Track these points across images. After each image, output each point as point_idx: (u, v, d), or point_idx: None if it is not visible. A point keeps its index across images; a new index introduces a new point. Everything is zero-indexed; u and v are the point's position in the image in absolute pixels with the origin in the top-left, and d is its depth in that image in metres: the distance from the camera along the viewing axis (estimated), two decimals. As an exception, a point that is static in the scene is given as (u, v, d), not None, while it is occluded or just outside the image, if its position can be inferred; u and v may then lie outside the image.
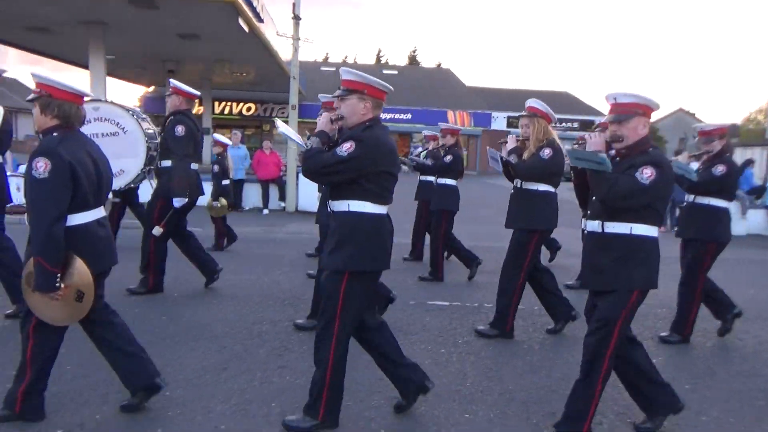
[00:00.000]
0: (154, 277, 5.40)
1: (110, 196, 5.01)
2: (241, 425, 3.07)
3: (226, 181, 8.02)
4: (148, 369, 3.12)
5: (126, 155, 5.20)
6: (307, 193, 12.13)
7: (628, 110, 2.93)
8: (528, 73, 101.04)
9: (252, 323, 4.73)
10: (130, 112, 5.21)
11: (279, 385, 3.59)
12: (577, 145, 3.99)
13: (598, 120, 40.34)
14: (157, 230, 5.17)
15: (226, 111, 29.92)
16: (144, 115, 5.74)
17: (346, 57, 55.94)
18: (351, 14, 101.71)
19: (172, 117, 5.23)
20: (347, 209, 2.92)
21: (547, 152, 4.40)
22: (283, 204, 12.63)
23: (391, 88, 3.08)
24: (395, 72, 38.30)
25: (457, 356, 4.23)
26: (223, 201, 7.78)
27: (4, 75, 39.58)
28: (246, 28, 12.11)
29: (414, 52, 57.53)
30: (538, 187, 4.51)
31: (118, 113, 5.19)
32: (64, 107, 2.88)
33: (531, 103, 4.56)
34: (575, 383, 3.04)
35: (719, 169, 4.50)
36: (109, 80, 14.12)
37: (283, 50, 15.98)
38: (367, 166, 2.86)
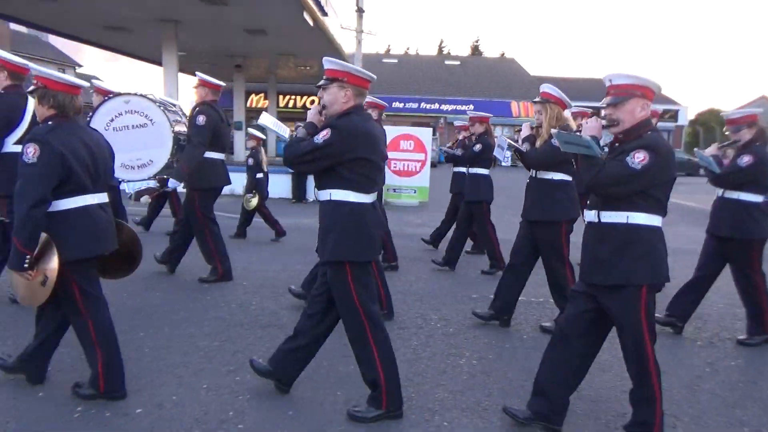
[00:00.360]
0: (222, 264, 5.60)
1: (153, 184, 5.40)
2: (309, 412, 3.14)
3: (260, 175, 8.15)
4: None
5: (154, 146, 5.32)
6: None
7: (624, 92, 2.76)
8: (597, 61, 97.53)
9: (317, 313, 4.82)
10: (158, 104, 5.36)
11: (344, 374, 3.65)
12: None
13: (677, 109, 38.22)
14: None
15: (290, 104, 30.54)
16: (174, 107, 5.89)
17: (407, 49, 55.95)
18: (413, 5, 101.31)
19: (197, 108, 5.37)
20: (329, 198, 2.96)
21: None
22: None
23: (373, 76, 3.06)
24: (457, 63, 37.87)
25: (523, 352, 4.15)
26: (256, 195, 7.93)
27: (78, 70, 41.88)
28: (311, 22, 12.29)
29: (476, 42, 57.00)
30: (553, 177, 4.32)
31: (146, 105, 5.32)
32: (58, 98, 3.03)
33: (544, 88, 4.33)
34: (634, 395, 2.86)
35: (745, 159, 4.17)
36: (181, 76, 14.66)
37: (346, 43, 16.13)
38: (343, 153, 2.87)
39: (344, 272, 2.96)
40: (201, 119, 5.21)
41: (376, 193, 3.07)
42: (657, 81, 2.78)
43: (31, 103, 4.39)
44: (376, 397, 3.03)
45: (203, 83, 5.47)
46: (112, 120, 5.23)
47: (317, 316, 3.18)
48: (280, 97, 28.17)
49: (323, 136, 2.86)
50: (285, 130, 3.45)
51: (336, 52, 16.46)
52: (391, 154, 12.31)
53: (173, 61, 13.57)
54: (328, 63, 3.01)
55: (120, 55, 19.00)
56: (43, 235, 2.93)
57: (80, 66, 43.06)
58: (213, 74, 5.73)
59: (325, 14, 13.08)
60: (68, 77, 3.18)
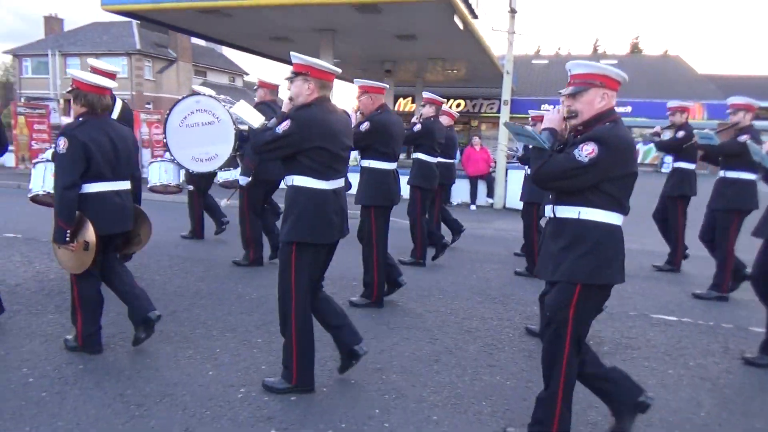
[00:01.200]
0: (254, 252, 6.10)
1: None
2: (452, 419, 3.11)
3: None
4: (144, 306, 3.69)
5: (219, 141, 5.69)
6: (516, 191, 11.87)
7: (583, 82, 2.63)
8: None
9: (462, 318, 4.77)
10: (223, 103, 5.73)
11: (489, 383, 3.56)
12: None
13: None
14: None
15: (436, 108, 30.73)
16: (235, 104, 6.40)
17: (559, 48, 53.63)
18: (566, 3, 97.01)
19: (256, 107, 5.57)
20: (292, 183, 3.19)
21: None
22: (491, 200, 12.58)
23: (338, 70, 3.24)
24: (614, 62, 35.53)
25: (688, 380, 3.75)
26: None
27: (246, 78, 45.75)
28: (461, 26, 12.26)
29: (636, 39, 52.89)
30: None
31: (213, 105, 5.68)
32: (89, 97, 3.50)
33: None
34: (539, 394, 2.79)
35: (743, 137, 4.88)
36: (336, 81, 15.39)
37: (495, 45, 15.85)
38: (301, 142, 3.08)
39: (290, 251, 3.17)
40: None
41: (339, 180, 3.28)
42: (619, 71, 2.63)
43: (119, 103, 5.24)
44: (289, 372, 3.25)
45: (261, 84, 6.02)
46: (185, 118, 5.76)
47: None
48: (427, 100, 28.48)
49: (283, 126, 3.09)
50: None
51: (484, 54, 16.27)
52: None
53: (329, 67, 14.30)
54: (294, 58, 3.22)
55: (282, 63, 20.47)
56: (77, 213, 3.45)
57: (247, 74, 47.17)
58: (365, 79, 5.90)
59: (475, 17, 12.97)
60: (98, 79, 3.61)
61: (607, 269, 2.58)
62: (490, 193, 12.63)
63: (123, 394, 3.16)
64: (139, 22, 19.66)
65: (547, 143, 2.62)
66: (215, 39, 17.65)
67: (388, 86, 5.77)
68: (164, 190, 6.03)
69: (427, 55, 17.44)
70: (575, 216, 2.60)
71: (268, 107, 5.76)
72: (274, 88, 6.10)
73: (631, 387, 2.82)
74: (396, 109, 25.88)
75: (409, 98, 29.73)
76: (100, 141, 3.49)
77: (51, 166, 4.58)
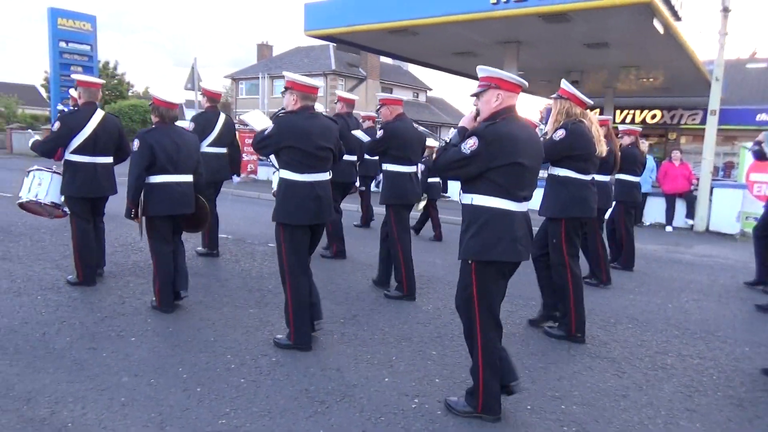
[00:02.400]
0: (337, 246, 6.87)
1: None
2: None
3: (432, 179, 8.34)
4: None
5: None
6: (723, 212, 10.52)
7: (482, 84, 3.05)
8: None
9: (655, 352, 4.30)
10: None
11: (688, 430, 3.14)
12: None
13: None
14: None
15: (628, 119, 28.55)
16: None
17: (782, 49, 46.32)
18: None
19: (335, 116, 6.34)
20: (280, 176, 3.94)
21: (559, 134, 4.30)
22: (690, 222, 11.26)
23: (316, 84, 3.94)
24: None
25: None
26: (426, 197, 8.42)
27: (429, 93, 46.88)
28: (661, 30, 11.22)
29: None
30: (558, 172, 4.43)
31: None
32: (160, 110, 4.56)
33: (561, 84, 4.51)
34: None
35: None
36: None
37: (701, 49, 14.24)
38: (280, 142, 3.83)
39: (278, 230, 3.95)
40: None
41: (316, 174, 3.92)
42: (514, 76, 2.99)
43: (223, 117, 6.45)
44: (288, 328, 3.99)
45: (340, 99, 6.99)
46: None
47: None
48: (617, 111, 26.60)
49: (268, 130, 3.86)
50: (262, 125, 4.08)
51: (688, 59, 14.69)
52: (757, 176, 10.35)
53: (512, 80, 14.07)
54: (287, 75, 3.92)
55: (463, 77, 20.67)
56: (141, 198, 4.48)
57: (431, 89, 48.54)
58: (549, 91, 5.79)
59: (678, 19, 11.78)
60: (168, 97, 4.59)
61: (494, 248, 2.94)
62: (690, 214, 11.32)
63: (308, 390, 3.38)
64: (335, 44, 21.32)
65: (454, 140, 3.05)
66: (402, 57, 18.43)
67: (404, 98, 6.07)
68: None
69: (620, 63, 16.28)
70: (470, 202, 3.02)
71: (342, 119, 6.50)
72: (351, 102, 7.04)
73: (510, 371, 3.14)
74: (582, 121, 24.51)
75: (597, 110, 28.06)
76: (164, 143, 4.47)
77: (39, 175, 5.30)
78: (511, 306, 5.08)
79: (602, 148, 4.40)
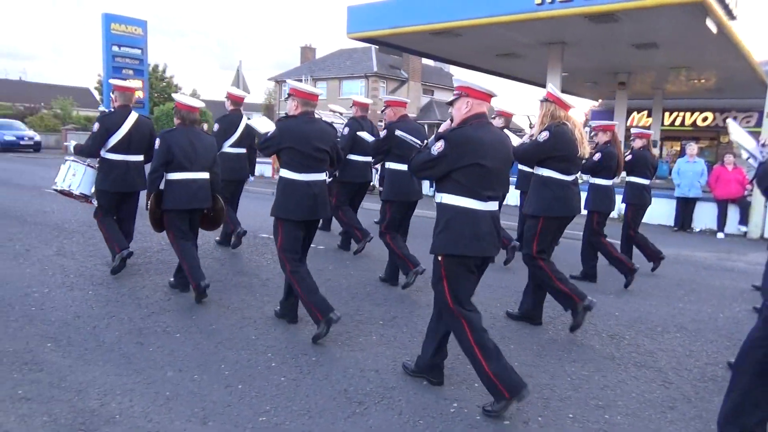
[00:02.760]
0: (361, 232, 6.92)
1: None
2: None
3: None
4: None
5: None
6: (779, 218, 10.04)
7: (455, 93, 3.33)
8: None
9: (705, 363, 4.15)
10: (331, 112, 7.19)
11: None
12: None
13: None
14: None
15: (677, 122, 27.66)
16: (341, 116, 7.49)
17: None
18: None
19: (348, 121, 6.94)
20: (279, 175, 4.30)
21: (543, 135, 4.43)
22: (744, 228, 10.82)
23: (316, 91, 4.35)
24: None
25: None
26: None
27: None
28: (714, 29, 10.83)
29: None
30: (542, 172, 4.59)
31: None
32: (182, 113, 4.95)
33: (546, 88, 4.76)
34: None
35: None
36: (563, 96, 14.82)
37: (756, 49, 13.68)
38: (280, 143, 4.20)
39: (276, 224, 4.31)
40: (345, 130, 6.74)
41: (313, 173, 4.25)
42: (483, 85, 3.27)
43: (245, 119, 6.66)
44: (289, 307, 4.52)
45: (355, 103, 7.09)
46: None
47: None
48: (666, 113, 25.79)
49: (270, 132, 4.24)
50: (265, 128, 4.37)
51: (743, 59, 14.14)
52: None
53: (556, 82, 13.82)
54: (290, 83, 4.33)
55: (506, 79, 20.44)
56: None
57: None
58: (594, 93, 5.72)
59: (733, 18, 11.35)
60: (190, 101, 5.00)
61: (457, 243, 3.19)
62: (744, 220, 10.87)
63: (347, 390, 3.40)
64: (377, 47, 21.41)
65: (431, 144, 3.35)
66: (444, 58, 18.38)
67: (409, 100, 6.40)
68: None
69: (669, 63, 15.80)
70: (440, 200, 3.29)
71: (356, 122, 6.84)
72: (365, 106, 7.15)
73: (438, 349, 3.55)
74: (629, 123, 23.90)
75: (645, 112, 27.40)
76: (182, 143, 4.84)
77: (75, 166, 5.70)
78: (552, 312, 4.98)
79: (584, 150, 4.51)
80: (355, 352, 3.99)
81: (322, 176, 4.35)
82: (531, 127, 5.21)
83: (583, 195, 5.06)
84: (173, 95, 5.48)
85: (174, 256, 5.16)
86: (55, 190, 5.92)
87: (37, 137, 26.14)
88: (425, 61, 40.52)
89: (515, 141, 5.16)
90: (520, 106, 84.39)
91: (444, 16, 12.23)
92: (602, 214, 6.26)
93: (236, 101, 6.94)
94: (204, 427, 2.92)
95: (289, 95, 4.29)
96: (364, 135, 6.37)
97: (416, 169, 3.39)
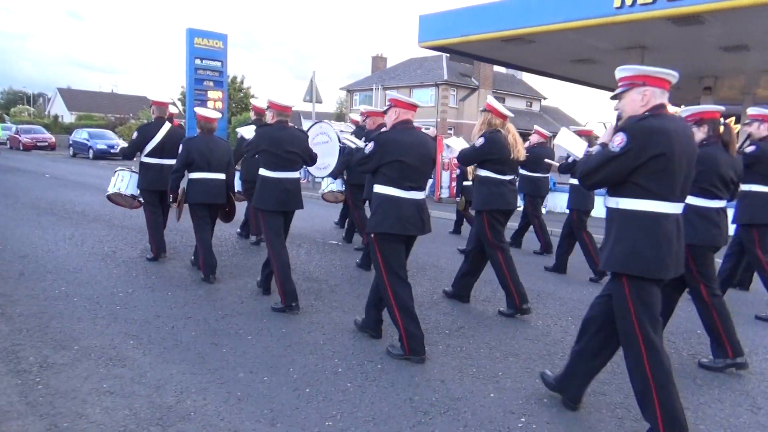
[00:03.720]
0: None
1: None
2: None
3: (467, 182, 8.46)
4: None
5: (330, 155, 7.36)
6: None
7: (387, 104, 4.33)
8: None
9: (799, 389, 3.83)
10: (335, 130, 7.45)
11: None
12: None
13: None
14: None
15: (770, 128, 25.80)
16: (345, 131, 7.57)
17: None
18: None
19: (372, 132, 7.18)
20: (259, 173, 5.13)
21: (479, 141, 5.03)
22: None
23: (287, 104, 5.15)
24: None
25: None
26: (463, 198, 8.88)
27: (543, 103, 45.50)
28: (813, 29, 10.07)
29: None
30: (480, 172, 5.18)
31: (328, 129, 7.58)
32: (201, 123, 5.79)
33: (487, 99, 5.35)
34: None
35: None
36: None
37: None
38: (258, 146, 5.02)
39: (258, 214, 5.16)
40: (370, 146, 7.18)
41: (286, 172, 5.02)
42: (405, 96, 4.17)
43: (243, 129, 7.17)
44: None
45: (363, 113, 7.43)
46: (314, 138, 7.29)
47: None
48: (757, 120, 24.10)
49: (250, 138, 5.16)
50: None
51: None
52: None
53: (635, 87, 13.28)
54: (269, 99, 5.21)
55: (581, 85, 19.83)
56: (181, 189, 5.87)
57: (545, 98, 47.12)
58: (677, 99, 5.43)
59: (835, 16, 10.50)
60: (207, 113, 5.85)
61: (383, 223, 4.01)
62: None
63: (412, 399, 3.39)
64: (448, 55, 21.34)
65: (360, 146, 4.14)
66: (516, 65, 18.08)
67: (517, 107, 6.63)
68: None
69: (762, 66, 14.79)
70: (374, 190, 4.08)
71: (360, 129, 7.38)
72: (380, 115, 7.08)
73: (375, 320, 4.37)
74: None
75: (732, 118, 25.73)
76: (201, 148, 5.71)
77: (122, 173, 6.78)
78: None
79: (518, 154, 5.07)
80: (421, 361, 3.97)
81: (295, 174, 5.14)
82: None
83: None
84: (251, 100, 6.45)
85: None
86: (108, 197, 6.94)
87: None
88: (496, 68, 40.01)
89: (461, 146, 6.46)
90: (594, 113, 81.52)
91: (516, 23, 12.04)
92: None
93: (259, 113, 7.30)
94: (272, 428, 2.99)
95: (268, 108, 5.26)
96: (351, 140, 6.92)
97: (355, 165, 4.21)
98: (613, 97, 3.01)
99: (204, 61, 23.22)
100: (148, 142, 6.34)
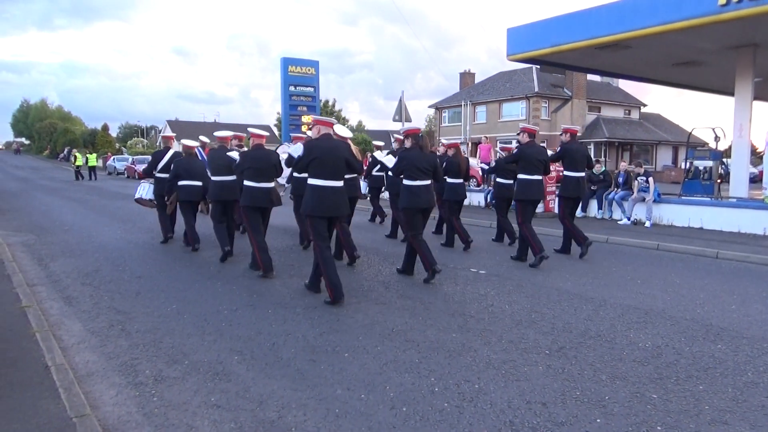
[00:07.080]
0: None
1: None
2: None
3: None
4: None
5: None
6: None
7: (310, 124, 6.38)
8: None
9: None
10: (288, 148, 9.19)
11: None
12: None
13: None
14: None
15: None
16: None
17: None
18: None
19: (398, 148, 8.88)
20: (243, 183, 7.06)
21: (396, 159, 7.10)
22: None
23: (262, 133, 7.26)
24: None
25: None
26: None
27: (643, 110, 43.11)
28: None
29: None
30: (404, 181, 6.86)
31: (288, 149, 8.97)
32: (184, 149, 8.93)
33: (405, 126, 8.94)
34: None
35: None
36: (755, 104, 13.09)
37: None
38: (243, 165, 6.96)
39: (242, 210, 7.03)
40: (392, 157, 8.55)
41: (264, 182, 6.89)
42: (323, 117, 5.98)
43: (286, 149, 9.65)
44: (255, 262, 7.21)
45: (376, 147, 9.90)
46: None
47: None
48: None
49: (238, 161, 7.25)
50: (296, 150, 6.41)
51: None
52: None
53: (747, 88, 12.30)
54: (249, 130, 7.50)
55: (685, 89, 18.67)
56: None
57: (645, 105, 44.72)
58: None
59: None
60: (188, 142, 8.99)
61: (307, 206, 5.80)
62: None
63: (512, 422, 3.27)
64: (538, 66, 20.88)
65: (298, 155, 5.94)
66: (610, 72, 17.35)
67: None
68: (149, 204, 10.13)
69: None
70: (308, 182, 5.84)
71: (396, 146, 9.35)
72: (417, 132, 7.25)
73: (316, 272, 6.13)
74: None
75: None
76: (186, 166, 8.53)
77: (144, 184, 9.85)
78: (751, 351, 4.33)
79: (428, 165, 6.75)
80: (520, 382, 3.83)
81: (270, 184, 6.96)
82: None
83: None
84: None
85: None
86: (136, 200, 10.07)
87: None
88: (590, 76, 38.60)
89: (389, 162, 7.80)
90: (701, 118, 76.21)
91: (610, 28, 11.59)
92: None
93: (259, 139, 7.67)
94: (370, 446, 2.99)
95: (249, 137, 7.29)
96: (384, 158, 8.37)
97: (293, 167, 6.01)
98: None
99: (298, 88, 24.35)
100: (159, 163, 9.28)
